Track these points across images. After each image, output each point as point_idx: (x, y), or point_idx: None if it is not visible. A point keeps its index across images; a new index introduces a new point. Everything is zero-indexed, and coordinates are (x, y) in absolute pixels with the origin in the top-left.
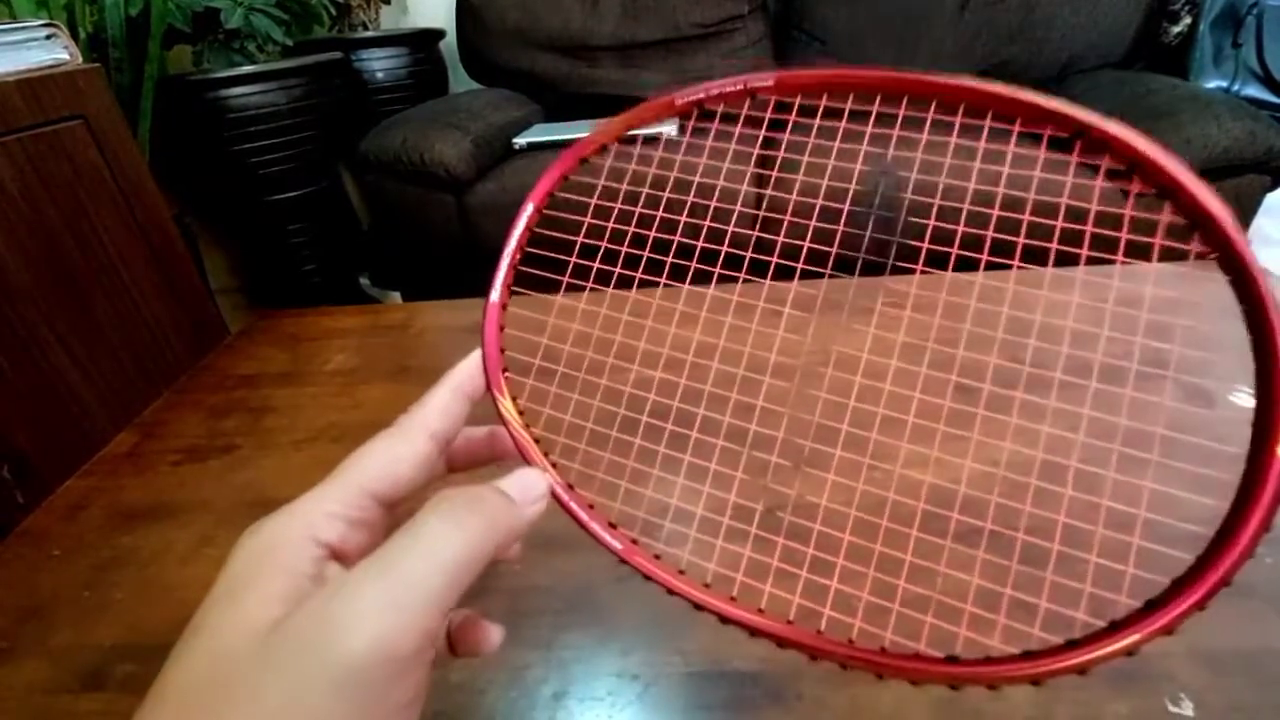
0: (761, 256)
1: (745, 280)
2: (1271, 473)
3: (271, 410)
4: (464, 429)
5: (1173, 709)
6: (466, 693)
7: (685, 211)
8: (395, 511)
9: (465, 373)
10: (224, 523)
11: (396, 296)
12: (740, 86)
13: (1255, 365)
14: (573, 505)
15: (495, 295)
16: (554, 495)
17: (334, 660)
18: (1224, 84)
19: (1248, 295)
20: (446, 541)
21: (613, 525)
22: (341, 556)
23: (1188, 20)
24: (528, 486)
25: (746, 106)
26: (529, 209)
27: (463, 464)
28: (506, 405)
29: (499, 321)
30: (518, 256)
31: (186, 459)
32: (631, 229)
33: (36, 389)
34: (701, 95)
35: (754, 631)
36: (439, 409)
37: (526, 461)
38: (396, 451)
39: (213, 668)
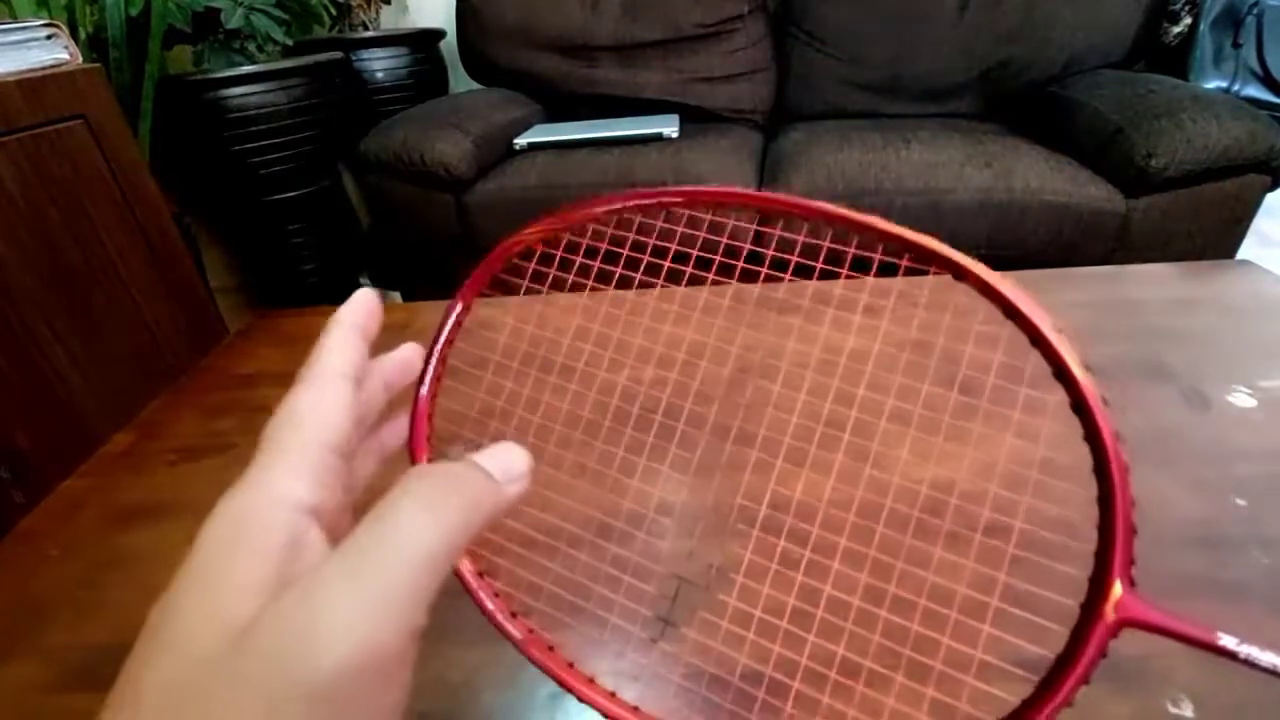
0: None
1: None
2: (1094, 633)
3: (270, 410)
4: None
5: (1173, 710)
6: (463, 693)
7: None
8: (352, 462)
9: (351, 310)
10: None
11: (397, 296)
12: (654, 201)
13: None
14: (481, 594)
15: (424, 388)
16: (460, 578)
17: (307, 678)
18: (1224, 84)
19: (1096, 445)
20: (422, 528)
21: (514, 614)
22: (320, 514)
23: (1188, 20)
24: (509, 464)
25: (660, 219)
26: (458, 307)
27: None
28: None
29: (428, 412)
30: (447, 351)
31: (184, 459)
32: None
33: (35, 389)
34: (619, 205)
35: None
36: (335, 347)
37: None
38: (323, 399)
39: (187, 674)
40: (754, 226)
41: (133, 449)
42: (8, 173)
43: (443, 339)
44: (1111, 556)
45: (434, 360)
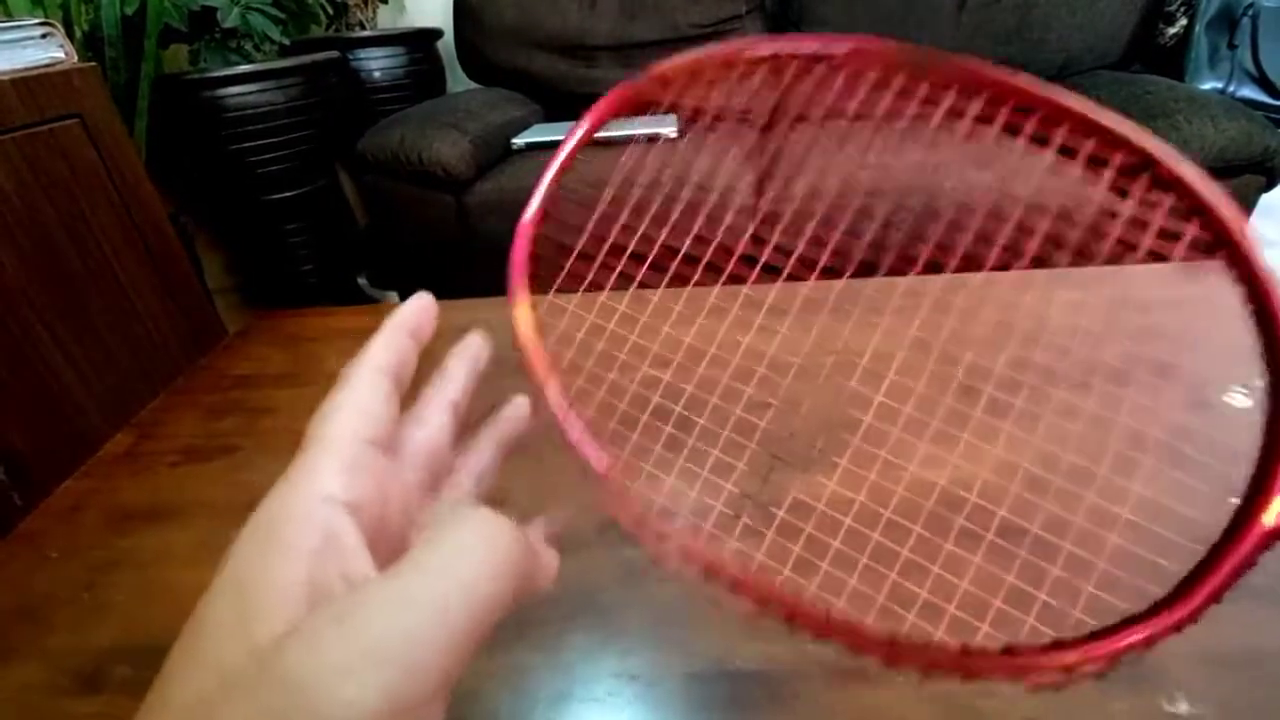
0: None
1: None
2: (1246, 536)
3: (270, 411)
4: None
5: (1169, 708)
6: (466, 694)
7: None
8: (405, 462)
9: (404, 311)
10: (222, 524)
11: (394, 296)
12: (813, 52)
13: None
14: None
15: (528, 214)
16: (553, 408)
17: (331, 714)
18: (1219, 85)
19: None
20: (476, 558)
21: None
22: (358, 510)
23: (1183, 22)
24: (551, 559)
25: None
26: (583, 127)
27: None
28: (521, 309)
29: (529, 237)
30: (558, 180)
31: (184, 460)
32: (639, 226)
33: (32, 390)
34: (772, 52)
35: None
36: (380, 345)
37: (529, 372)
38: (357, 391)
39: (212, 693)
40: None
41: (132, 450)
42: (2, 173)
43: (557, 163)
44: (1276, 465)
45: (542, 187)
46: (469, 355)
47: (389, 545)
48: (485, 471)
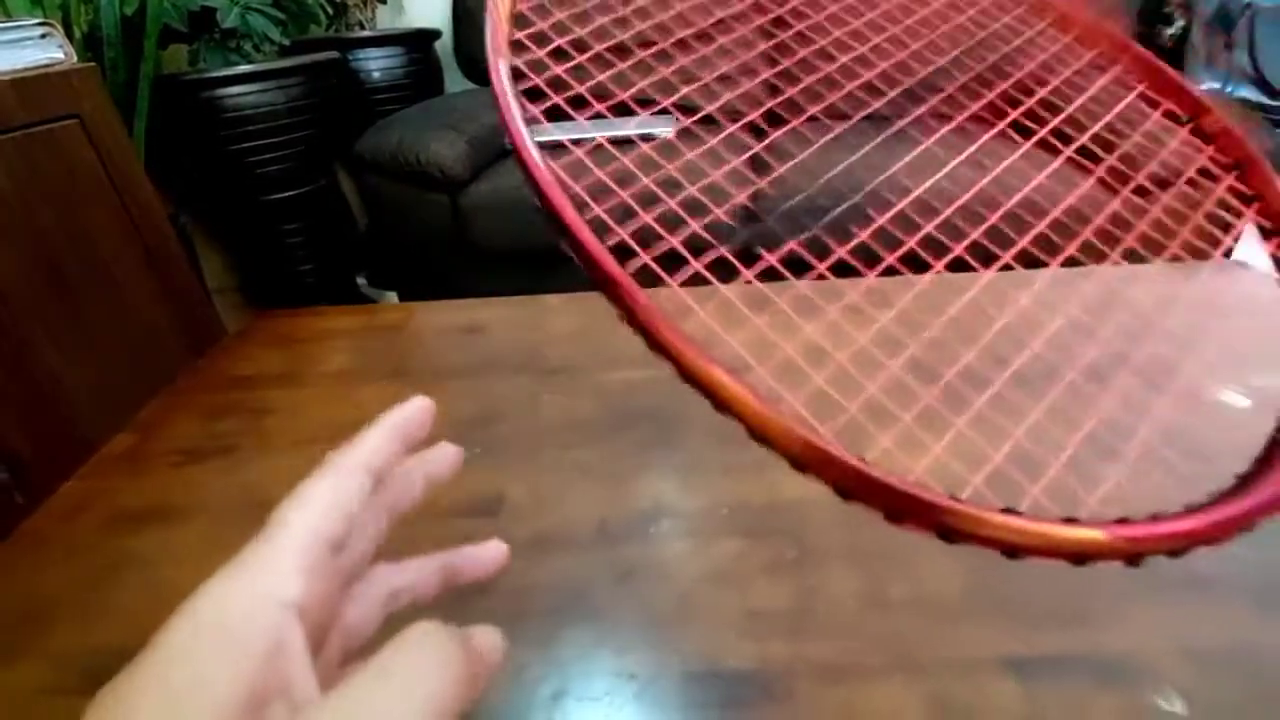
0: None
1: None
2: None
3: (270, 411)
4: (418, 564)
5: (1164, 706)
6: None
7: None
8: (341, 559)
9: (402, 414)
10: (224, 524)
11: (393, 296)
12: None
13: None
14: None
15: None
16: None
17: None
18: (1217, 86)
19: None
20: (424, 690)
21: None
22: (305, 613)
23: (1181, 23)
24: (492, 648)
25: None
26: None
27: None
28: None
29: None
30: None
31: (185, 460)
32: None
33: (31, 390)
34: None
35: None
36: (372, 445)
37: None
38: (339, 489)
39: None
40: None
41: (133, 450)
42: (1, 173)
43: None
44: None
45: None
46: (433, 463)
47: (315, 643)
48: (410, 592)
